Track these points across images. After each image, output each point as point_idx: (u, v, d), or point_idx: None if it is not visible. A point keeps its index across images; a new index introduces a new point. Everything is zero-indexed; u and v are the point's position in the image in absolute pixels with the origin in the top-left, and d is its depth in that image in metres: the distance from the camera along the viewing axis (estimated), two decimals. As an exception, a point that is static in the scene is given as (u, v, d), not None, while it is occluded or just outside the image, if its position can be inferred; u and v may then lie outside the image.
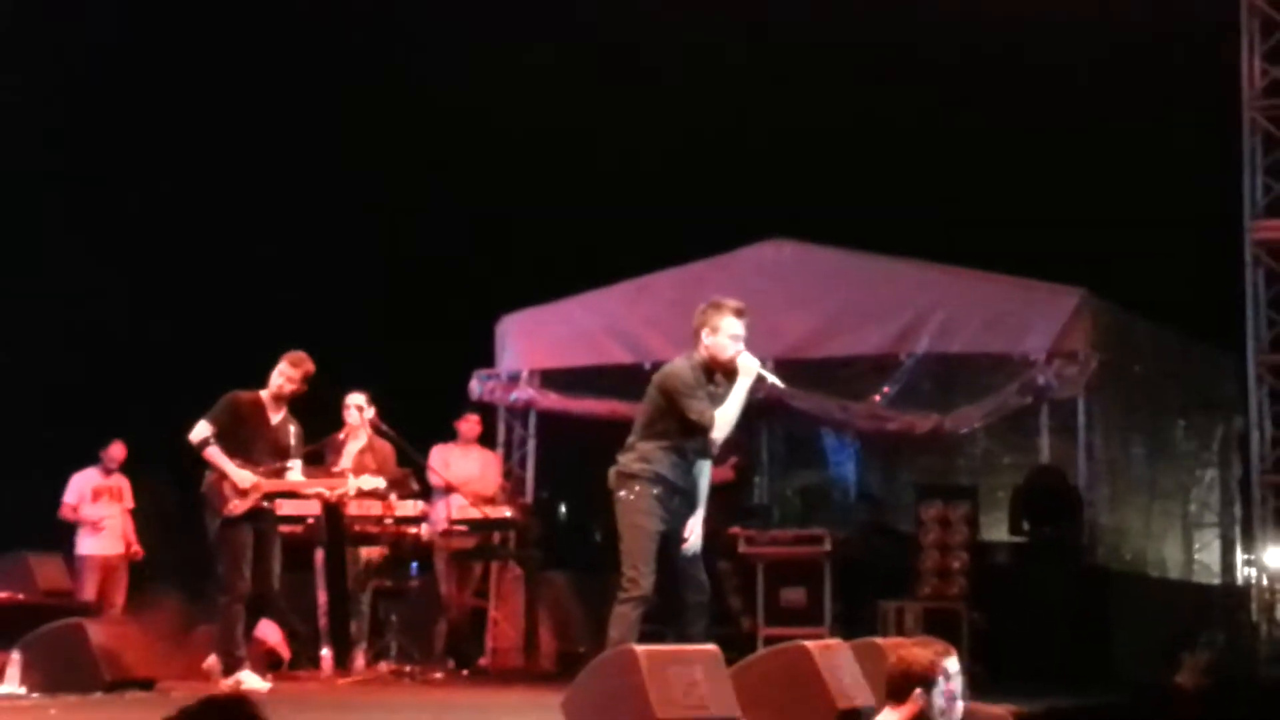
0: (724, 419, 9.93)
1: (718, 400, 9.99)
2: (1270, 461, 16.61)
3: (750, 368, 9.97)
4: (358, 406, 14.40)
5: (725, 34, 19.87)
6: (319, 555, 14.12)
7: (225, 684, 12.01)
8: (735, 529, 15.45)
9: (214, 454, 12.25)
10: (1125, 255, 19.19)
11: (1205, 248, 18.47)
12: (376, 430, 14.29)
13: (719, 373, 10.04)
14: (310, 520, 13.83)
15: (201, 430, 12.29)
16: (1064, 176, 19.76)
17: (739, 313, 10.06)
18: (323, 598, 14.02)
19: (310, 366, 12.52)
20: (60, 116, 19.05)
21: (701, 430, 9.92)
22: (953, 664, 7.58)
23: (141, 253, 18.90)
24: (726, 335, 9.99)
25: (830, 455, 18.58)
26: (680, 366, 10.08)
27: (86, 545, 16.81)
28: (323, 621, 14.02)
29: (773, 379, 10.08)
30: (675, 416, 9.96)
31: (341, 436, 14.39)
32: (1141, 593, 16.48)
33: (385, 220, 19.69)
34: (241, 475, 12.22)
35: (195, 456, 12.39)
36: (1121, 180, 19.79)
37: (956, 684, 7.55)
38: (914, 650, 7.64)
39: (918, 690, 7.47)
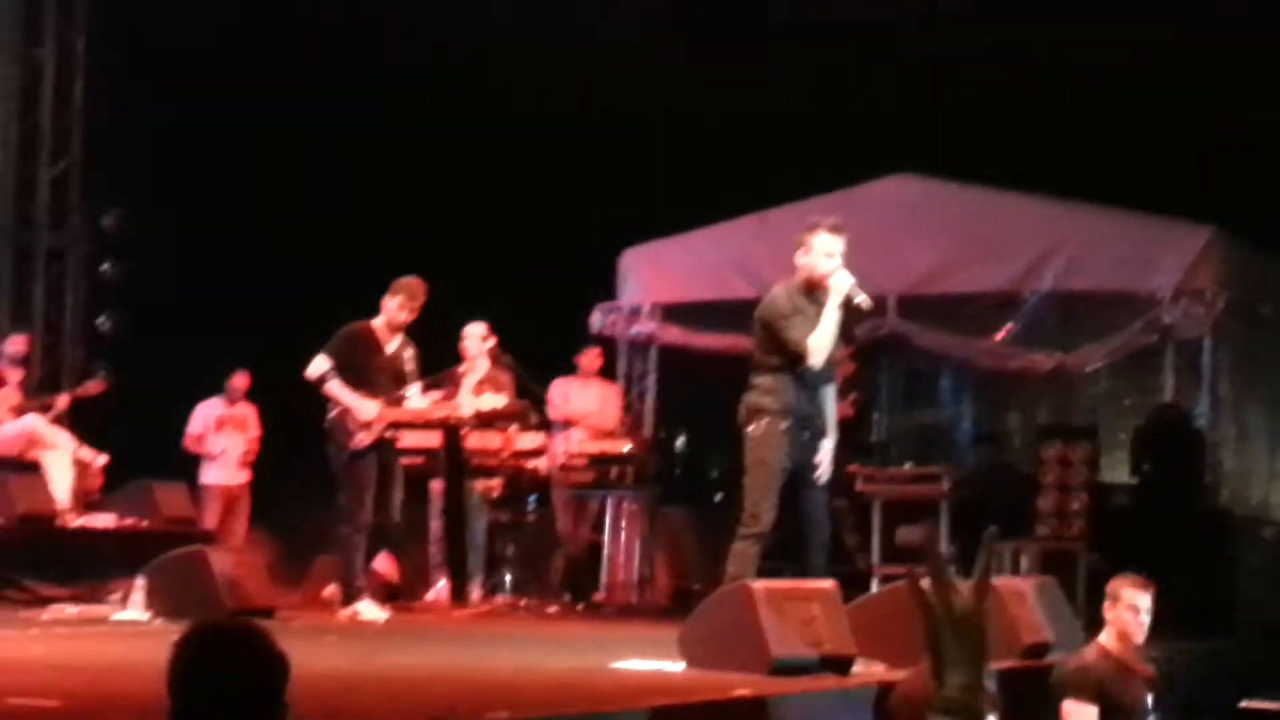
0: (817, 344, 9.85)
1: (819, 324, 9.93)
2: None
3: (840, 286, 9.89)
4: (480, 336, 14.44)
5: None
6: (434, 486, 14.16)
7: (344, 613, 12.13)
8: (853, 466, 15.40)
9: (334, 388, 12.34)
10: (1259, 193, 18.88)
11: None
12: (496, 361, 14.32)
13: (820, 292, 9.95)
14: (429, 451, 13.90)
15: (320, 365, 12.36)
16: (1194, 111, 19.43)
17: (834, 229, 10.00)
18: (438, 528, 14.07)
19: (425, 294, 12.58)
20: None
21: (799, 358, 9.85)
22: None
23: (257, 179, 18.96)
24: (821, 253, 9.95)
25: (949, 394, 18.46)
26: (775, 295, 10.05)
27: (210, 474, 16.99)
28: (438, 553, 14.09)
29: (862, 297, 9.95)
30: (780, 347, 9.92)
31: (461, 370, 14.44)
32: (1265, 537, 16.31)
33: (505, 149, 19.62)
34: (365, 407, 12.30)
35: (315, 390, 12.47)
36: (1255, 114, 19.45)
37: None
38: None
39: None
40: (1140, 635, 8.77)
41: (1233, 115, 19.03)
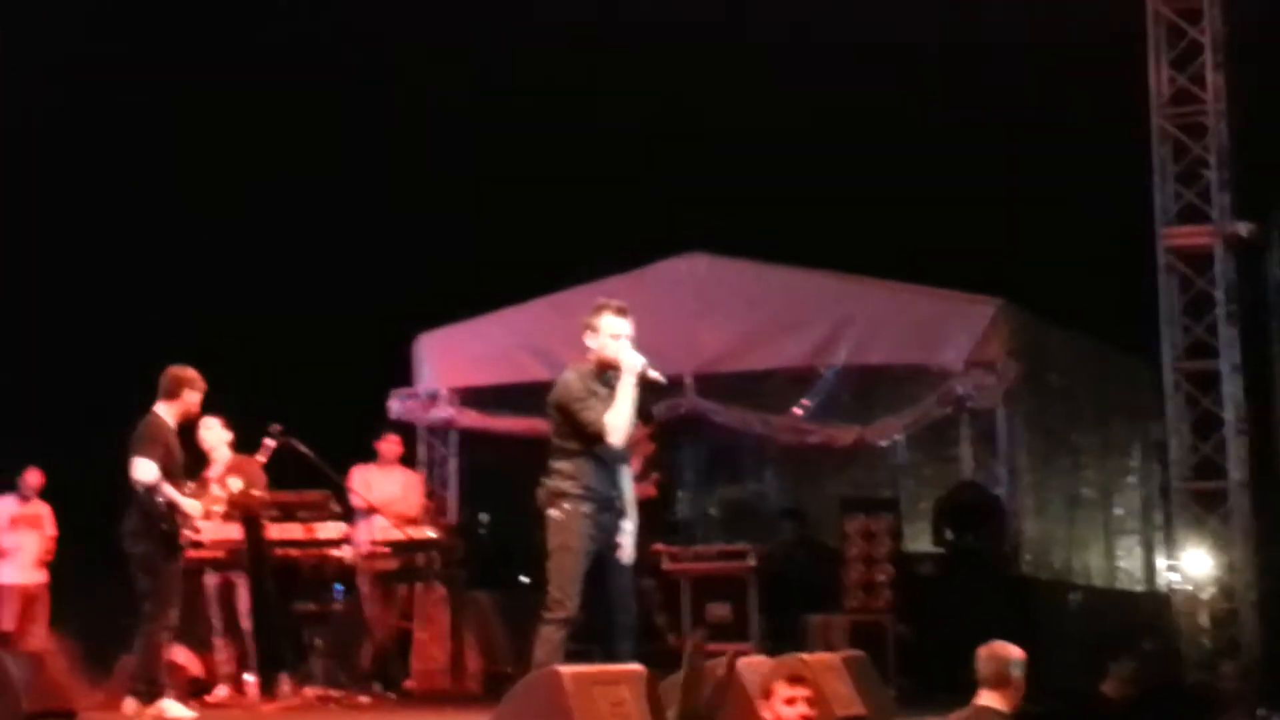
0: (615, 422, 9.85)
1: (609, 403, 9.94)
2: (1189, 468, 16.67)
3: (632, 364, 9.91)
4: (206, 428, 14.17)
5: (642, 39, 19.85)
6: (209, 580, 13.89)
7: (147, 714, 11.88)
8: (659, 545, 15.42)
9: (168, 490, 12.08)
10: (1040, 265, 19.28)
11: (1118, 256, 18.55)
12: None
13: (613, 374, 9.98)
14: (227, 544, 13.71)
15: (149, 470, 12.04)
16: (976, 187, 19.82)
17: (620, 311, 10.01)
18: (246, 623, 13.86)
19: None
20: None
21: (598, 438, 9.86)
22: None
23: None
24: (607, 334, 9.95)
25: (751, 470, 18.59)
26: (567, 378, 10.05)
27: (5, 574, 16.64)
28: (224, 646, 13.86)
29: (654, 374, 9.99)
30: (577, 430, 9.92)
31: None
32: (1066, 601, 16.58)
33: (298, 239, 19.54)
34: (191, 505, 12.11)
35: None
36: (1034, 190, 19.88)
37: None
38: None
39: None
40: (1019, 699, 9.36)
41: (1015, 191, 19.45)
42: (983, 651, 9.50)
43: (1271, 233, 18.38)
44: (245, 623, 13.88)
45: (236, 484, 13.46)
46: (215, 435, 14.05)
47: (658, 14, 19.25)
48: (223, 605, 13.88)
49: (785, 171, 20.16)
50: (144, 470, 12.00)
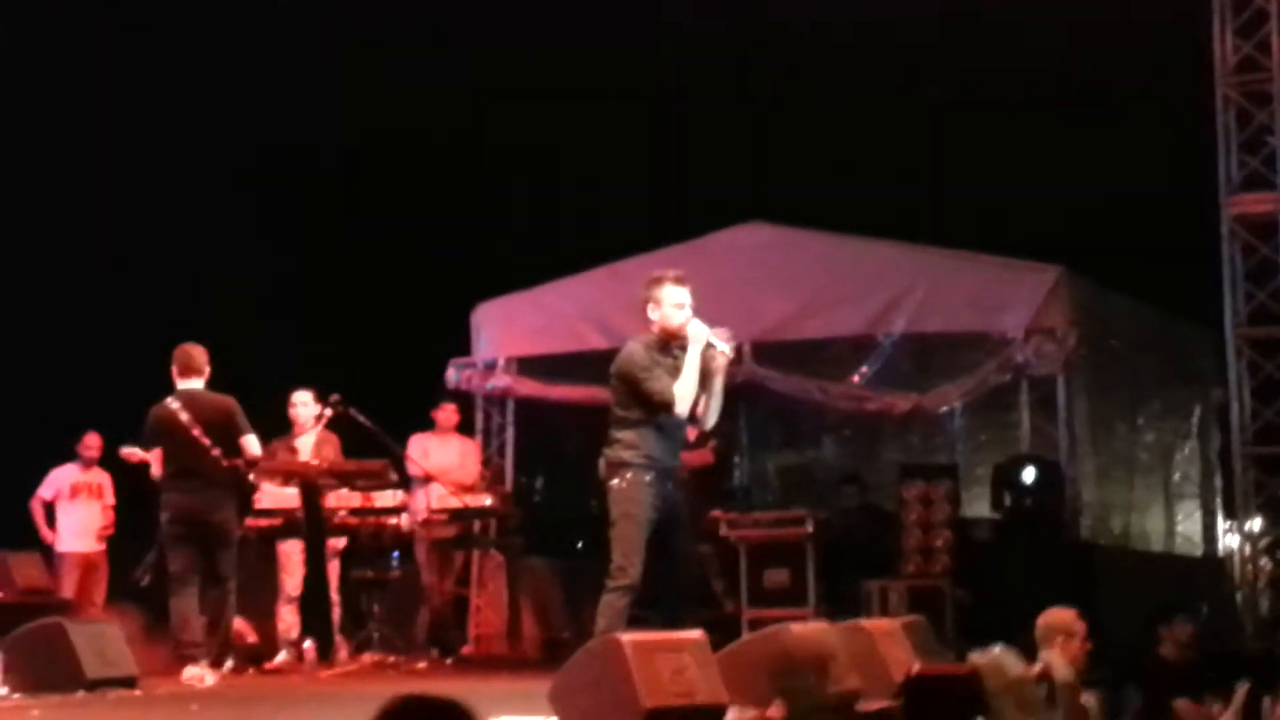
0: (682, 391, 9.87)
1: (679, 374, 9.95)
2: (1250, 433, 16.64)
3: (699, 335, 9.92)
4: (303, 404, 14.32)
5: (700, 12, 19.82)
6: (281, 548, 14.01)
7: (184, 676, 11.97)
8: (716, 512, 15.43)
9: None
10: (1103, 232, 19.19)
11: (1181, 223, 18.46)
12: (336, 421, 14.19)
13: (676, 345, 9.99)
14: (286, 512, 13.80)
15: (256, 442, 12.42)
16: (1040, 154, 19.74)
17: (679, 280, 10.04)
18: (291, 588, 13.93)
19: None
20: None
21: (665, 408, 9.87)
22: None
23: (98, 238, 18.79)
24: (670, 305, 9.97)
25: (808, 437, 18.58)
26: (631, 348, 10.06)
27: (65, 542, 16.74)
28: (290, 612, 13.93)
29: (721, 345, 10.00)
30: (641, 400, 9.92)
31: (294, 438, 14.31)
32: (1125, 566, 16.51)
33: (359, 208, 19.58)
34: None
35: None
36: (1098, 157, 19.78)
37: None
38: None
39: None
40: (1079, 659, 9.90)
41: (1073, 159, 19.35)
42: (1039, 618, 9.98)
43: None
44: (291, 587, 13.96)
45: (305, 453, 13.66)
46: (303, 411, 14.21)
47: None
48: (294, 572, 13.99)
49: (845, 141, 20.10)
50: (257, 445, 12.33)
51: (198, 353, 12.50)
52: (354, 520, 14.03)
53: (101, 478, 16.91)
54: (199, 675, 11.88)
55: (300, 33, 19.67)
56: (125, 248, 18.95)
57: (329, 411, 13.94)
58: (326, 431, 14.23)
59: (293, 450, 14.16)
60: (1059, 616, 10.03)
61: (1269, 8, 16.86)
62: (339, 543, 14.24)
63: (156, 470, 12.49)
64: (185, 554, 12.21)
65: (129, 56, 19.17)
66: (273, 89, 19.73)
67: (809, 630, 8.94)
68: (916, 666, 9.53)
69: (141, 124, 19.28)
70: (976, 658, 9.34)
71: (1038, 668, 9.50)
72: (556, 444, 17.29)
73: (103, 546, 16.78)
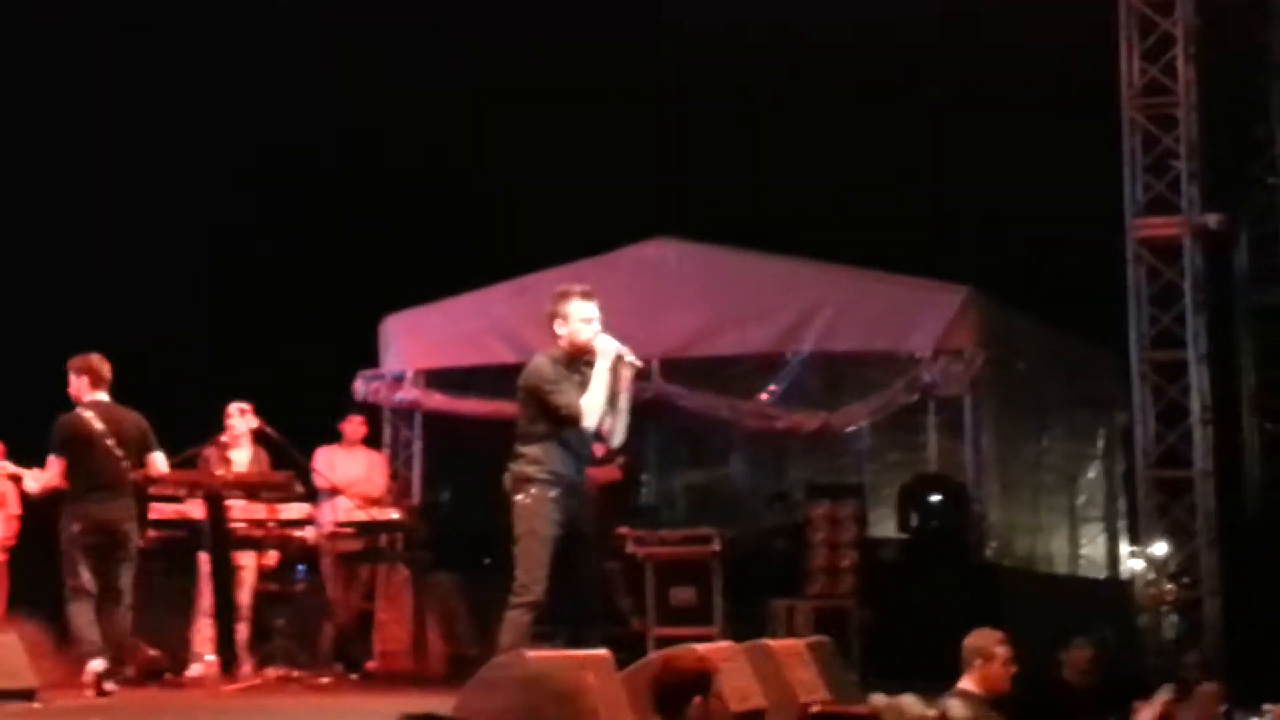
0: (590, 405, 9.83)
1: (586, 388, 9.92)
2: (1154, 456, 16.76)
3: (607, 349, 9.89)
4: (240, 411, 14.23)
5: (611, 27, 19.82)
6: (203, 557, 13.92)
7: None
8: (623, 529, 15.41)
9: None
10: (1009, 254, 19.29)
11: (1087, 246, 18.58)
12: (259, 435, 14.14)
13: (583, 360, 9.95)
14: (191, 523, 13.69)
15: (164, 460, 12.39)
16: (948, 176, 19.83)
17: (586, 295, 9.98)
18: (207, 602, 13.82)
19: None
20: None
21: (572, 421, 9.83)
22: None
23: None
24: (577, 320, 9.92)
25: (716, 455, 18.59)
26: (539, 362, 10.01)
27: (-39, 553, 16.52)
28: (208, 625, 13.82)
29: (630, 357, 9.96)
30: (548, 414, 9.88)
31: (224, 440, 14.21)
32: (1029, 588, 16.60)
33: (265, 219, 19.48)
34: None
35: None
36: (1005, 179, 19.88)
37: None
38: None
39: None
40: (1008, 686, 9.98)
41: (984, 179, 19.46)
42: (965, 640, 10.00)
43: (1240, 224, 18.47)
44: (205, 602, 13.86)
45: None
46: (239, 422, 14.12)
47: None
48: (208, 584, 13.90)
49: (754, 158, 20.14)
50: (164, 462, 12.47)
51: (105, 365, 12.41)
52: (258, 533, 13.93)
53: (6, 486, 16.67)
54: (99, 670, 11.79)
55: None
56: (38, 252, 18.78)
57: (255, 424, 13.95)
58: (259, 448, 14.16)
59: (227, 461, 14.05)
60: (977, 639, 10.05)
61: (1175, 32, 17.04)
62: (265, 557, 14.16)
63: (54, 480, 12.34)
64: (89, 565, 12.11)
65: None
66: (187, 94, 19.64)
67: (693, 651, 8.90)
68: (818, 705, 9.55)
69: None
70: (878, 700, 9.41)
71: (934, 713, 9.54)
72: (464, 457, 17.21)
73: (4, 556, 16.55)
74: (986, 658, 9.95)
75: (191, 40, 19.88)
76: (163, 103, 19.66)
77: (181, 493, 13.57)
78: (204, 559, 13.89)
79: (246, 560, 14.00)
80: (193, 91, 19.68)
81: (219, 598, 13.72)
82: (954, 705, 9.75)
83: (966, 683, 9.89)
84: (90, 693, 11.74)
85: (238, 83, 19.77)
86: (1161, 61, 17.11)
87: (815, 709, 9.39)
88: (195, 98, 19.70)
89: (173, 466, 12.99)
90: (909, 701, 9.49)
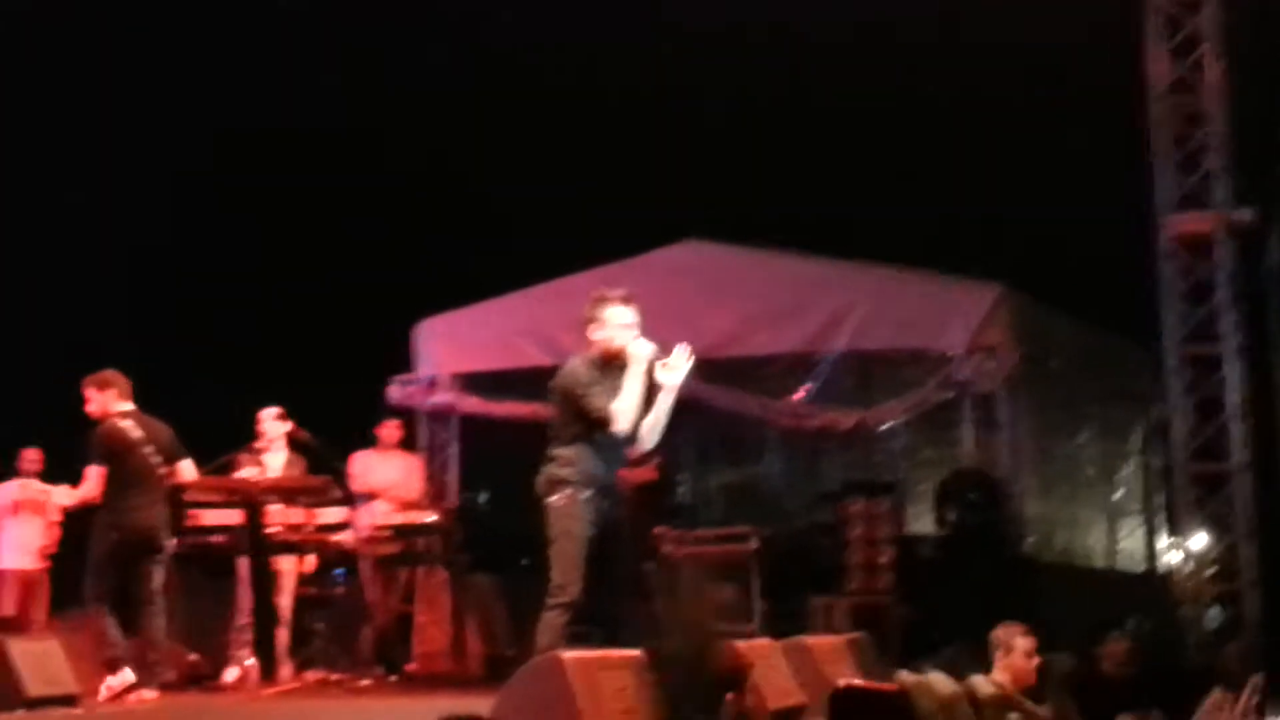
0: (623, 409, 9.80)
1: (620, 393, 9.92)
2: (1191, 450, 16.74)
3: (640, 354, 9.88)
4: (274, 416, 14.30)
5: (636, 32, 19.87)
6: (242, 564, 13.98)
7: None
8: (660, 529, 15.42)
9: None
10: (1043, 251, 19.30)
11: (1120, 242, 18.57)
12: (294, 440, 14.21)
13: (618, 364, 9.95)
14: (230, 528, 13.75)
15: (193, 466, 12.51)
16: (981, 173, 19.83)
17: (626, 299, 9.97)
18: (246, 606, 13.88)
19: None
20: None
21: (604, 424, 9.83)
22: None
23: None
24: (615, 324, 9.92)
25: (752, 454, 18.60)
26: (573, 365, 10.01)
27: (6, 559, 16.62)
28: (247, 629, 13.88)
29: (675, 362, 9.97)
30: (580, 417, 9.89)
31: (258, 446, 14.28)
32: (1068, 582, 16.58)
33: (300, 226, 19.55)
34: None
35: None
36: (1038, 178, 19.89)
37: None
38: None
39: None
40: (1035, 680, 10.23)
41: (1019, 178, 19.45)
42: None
43: (1271, 219, 18.42)
44: (246, 606, 13.92)
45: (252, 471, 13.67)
46: (271, 428, 14.19)
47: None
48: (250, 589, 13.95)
49: (788, 158, 20.17)
50: (194, 468, 12.61)
51: (123, 377, 12.56)
52: (296, 537, 14.00)
53: (44, 494, 16.78)
54: (125, 683, 11.86)
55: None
56: (60, 251, 18.86)
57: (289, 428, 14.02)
58: (294, 453, 14.23)
59: (261, 466, 14.12)
60: (999, 632, 10.35)
61: (1201, 29, 17.00)
62: (303, 562, 14.24)
63: (93, 492, 12.41)
64: (117, 573, 12.20)
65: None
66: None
67: (729, 648, 8.96)
68: (845, 681, 9.60)
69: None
70: (906, 677, 9.44)
71: (961, 689, 9.62)
72: (500, 460, 17.21)
73: (45, 564, 16.66)
74: (1007, 650, 10.24)
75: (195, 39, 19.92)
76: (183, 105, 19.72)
77: (220, 498, 13.65)
78: (242, 564, 13.96)
79: (286, 565, 14.08)
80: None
81: (258, 602, 13.78)
82: (981, 682, 9.90)
83: (995, 674, 10.16)
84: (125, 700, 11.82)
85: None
86: (1189, 59, 17.08)
87: (844, 685, 9.42)
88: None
89: (207, 473, 13.10)
90: (937, 678, 9.53)
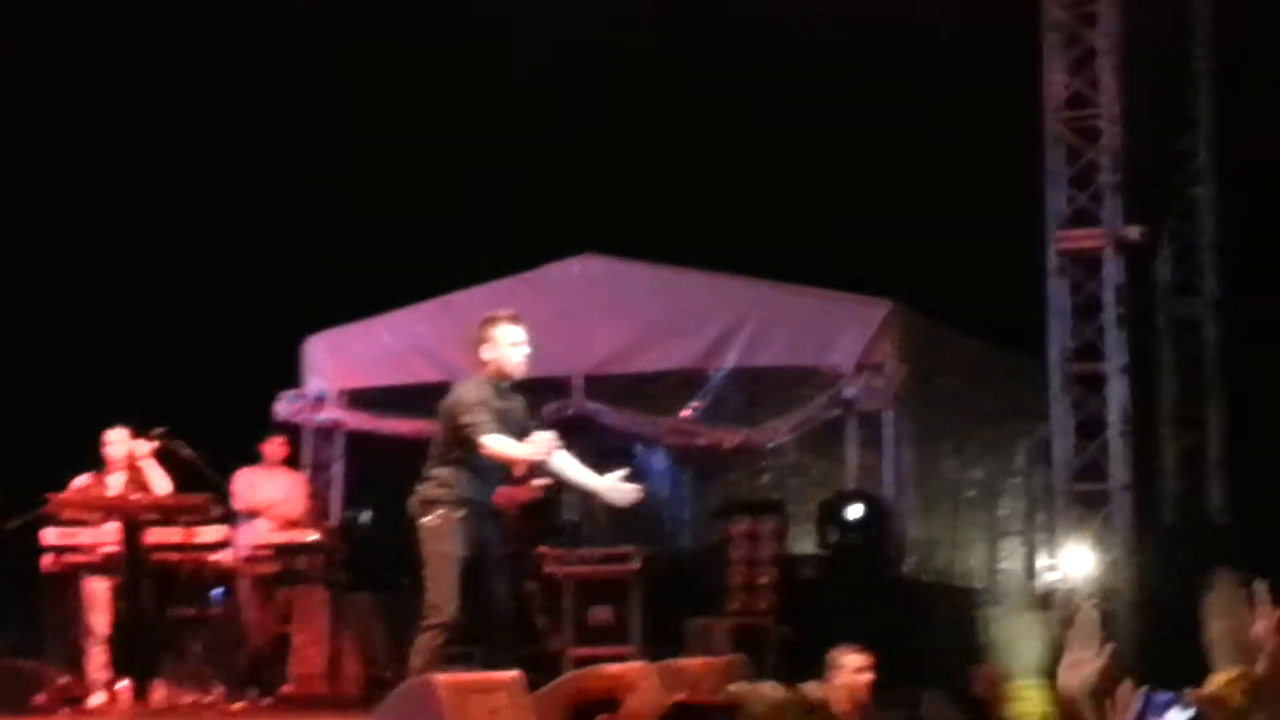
0: (495, 446, 9.74)
1: (511, 416, 9.88)
2: (1074, 470, 16.76)
3: (542, 452, 9.82)
4: (116, 441, 14.07)
5: (529, 46, 19.82)
6: (88, 584, 13.72)
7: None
8: (544, 548, 15.35)
9: None
10: (932, 266, 19.31)
11: (1009, 258, 18.59)
12: (167, 456, 13.99)
13: (508, 384, 9.93)
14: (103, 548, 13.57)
15: None
16: (869, 188, 19.83)
17: (513, 319, 9.96)
18: (102, 628, 13.65)
19: None
20: None
21: (472, 444, 9.77)
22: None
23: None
24: (506, 344, 9.90)
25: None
26: (464, 386, 9.98)
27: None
28: (102, 652, 13.66)
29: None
30: (459, 435, 9.83)
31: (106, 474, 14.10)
32: (948, 602, 16.60)
33: (181, 241, 19.37)
34: None
35: None
36: (927, 192, 19.92)
37: None
38: None
39: None
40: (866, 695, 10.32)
41: (908, 193, 19.48)
42: None
43: (1161, 236, 18.54)
44: (101, 626, 13.71)
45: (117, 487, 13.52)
46: (116, 450, 13.97)
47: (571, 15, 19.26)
48: (105, 610, 13.72)
49: (679, 172, 20.12)
50: None
51: None
52: (175, 556, 13.82)
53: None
54: None
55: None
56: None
57: (150, 445, 13.77)
58: (134, 470, 14.00)
59: (104, 487, 13.92)
60: (831, 653, 10.60)
61: (1098, 44, 17.06)
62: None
63: None
64: None
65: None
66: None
67: (602, 671, 8.92)
68: (675, 698, 9.59)
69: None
70: (738, 688, 9.56)
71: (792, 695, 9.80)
72: (386, 477, 17.06)
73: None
74: (838, 668, 10.42)
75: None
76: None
77: (95, 517, 13.48)
78: (90, 584, 13.72)
79: (101, 585, 13.80)
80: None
81: (134, 622, 13.60)
82: (812, 687, 10.16)
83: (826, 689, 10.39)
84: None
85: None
86: (1085, 74, 17.13)
87: (673, 703, 9.40)
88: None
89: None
90: (768, 685, 9.65)
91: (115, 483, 13.97)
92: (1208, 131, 19.77)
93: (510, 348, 9.91)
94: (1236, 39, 19.19)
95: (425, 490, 9.94)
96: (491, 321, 10.00)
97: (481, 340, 9.98)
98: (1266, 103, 18.53)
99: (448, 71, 20.05)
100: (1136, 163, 17.40)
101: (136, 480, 13.93)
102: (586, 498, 18.01)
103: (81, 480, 13.92)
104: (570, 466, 10.11)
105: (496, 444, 9.73)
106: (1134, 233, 17.02)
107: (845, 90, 19.27)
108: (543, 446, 9.82)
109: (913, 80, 19.33)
